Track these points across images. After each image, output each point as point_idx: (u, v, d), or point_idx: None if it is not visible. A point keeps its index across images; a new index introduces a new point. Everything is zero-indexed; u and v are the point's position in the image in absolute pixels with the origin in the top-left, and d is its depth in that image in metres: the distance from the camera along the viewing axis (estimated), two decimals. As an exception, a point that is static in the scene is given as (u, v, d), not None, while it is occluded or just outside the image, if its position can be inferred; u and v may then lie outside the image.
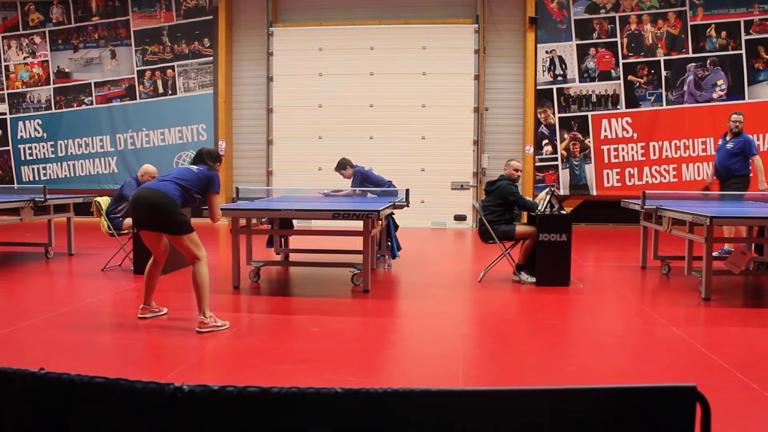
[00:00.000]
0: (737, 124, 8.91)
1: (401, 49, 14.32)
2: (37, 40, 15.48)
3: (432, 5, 14.42)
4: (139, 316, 5.73)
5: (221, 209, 6.14)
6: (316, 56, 14.57)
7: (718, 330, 5.61)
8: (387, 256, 8.54)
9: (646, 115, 13.80)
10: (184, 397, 1.58)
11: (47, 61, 15.48)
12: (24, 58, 15.59)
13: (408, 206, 8.60)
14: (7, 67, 15.66)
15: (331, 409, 1.54)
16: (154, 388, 1.61)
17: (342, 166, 9.03)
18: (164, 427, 1.60)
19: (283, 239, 8.74)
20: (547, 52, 14.02)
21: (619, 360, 4.78)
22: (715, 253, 8.49)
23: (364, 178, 9.00)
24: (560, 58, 14.00)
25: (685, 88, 13.68)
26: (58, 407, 1.70)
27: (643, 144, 13.80)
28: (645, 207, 7.96)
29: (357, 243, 7.33)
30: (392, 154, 14.11)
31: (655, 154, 13.77)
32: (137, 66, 15.14)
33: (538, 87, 14.05)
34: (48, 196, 8.64)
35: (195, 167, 5.57)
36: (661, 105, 13.76)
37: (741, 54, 13.46)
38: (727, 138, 9.00)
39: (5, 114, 15.70)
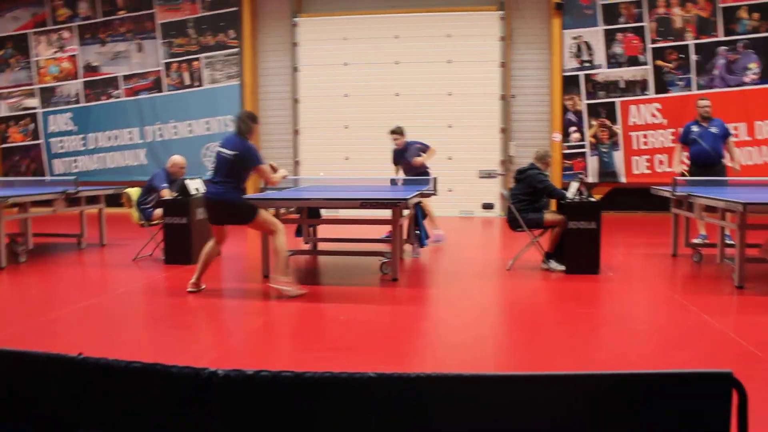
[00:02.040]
0: (707, 109, 8.88)
1: (426, 37, 14.25)
2: (66, 35, 15.66)
3: (457, -8, 14.34)
4: (189, 290, 6.25)
5: (252, 199, 6.25)
6: (341, 46, 14.56)
7: (751, 318, 5.53)
8: (415, 245, 8.54)
9: (676, 101, 13.59)
10: (219, 382, 1.60)
11: (76, 55, 15.66)
12: (53, 53, 15.78)
13: (436, 195, 8.60)
14: (37, 63, 15.87)
15: (364, 393, 1.55)
16: (190, 372, 1.64)
17: (400, 131, 9.60)
18: (200, 411, 1.62)
19: (311, 228, 8.78)
20: (573, 38, 13.86)
21: (650, 347, 4.74)
22: (696, 240, 8.40)
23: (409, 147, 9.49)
24: (587, 43, 13.83)
25: (716, 72, 13.45)
26: (96, 391, 1.73)
27: (673, 130, 13.59)
28: (676, 194, 7.86)
29: (385, 231, 7.34)
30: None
31: (675, 143, 13.56)
32: (164, 58, 15.26)
33: (565, 73, 13.90)
34: (79, 188, 8.76)
35: (230, 152, 5.93)
36: (691, 90, 13.54)
37: (774, 36, 13.19)
38: (703, 124, 8.86)
39: (36, 108, 15.92)
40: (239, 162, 5.92)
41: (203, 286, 6.35)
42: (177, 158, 8.53)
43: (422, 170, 9.37)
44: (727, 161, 8.85)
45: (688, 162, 9.16)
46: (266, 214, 6.19)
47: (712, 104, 9.03)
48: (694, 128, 8.89)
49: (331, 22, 14.61)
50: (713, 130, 8.79)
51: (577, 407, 1.62)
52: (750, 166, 9.31)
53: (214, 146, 14.63)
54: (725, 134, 8.89)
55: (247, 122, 6.03)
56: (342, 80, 14.56)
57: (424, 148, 9.50)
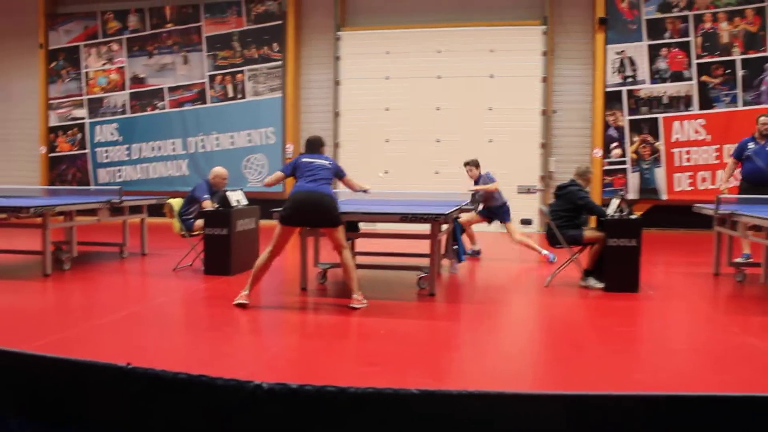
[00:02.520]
0: (766, 126, 8.66)
1: (468, 51, 14.28)
2: (115, 47, 16.04)
3: (499, 7, 14.33)
4: (238, 302, 6.14)
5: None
6: (383, 59, 14.66)
7: (797, 340, 5.41)
8: (453, 260, 8.53)
9: (721, 117, 13.38)
10: (263, 395, 1.63)
11: (124, 67, 16.02)
12: (102, 65, 16.17)
13: (475, 210, 8.58)
14: (87, 74, 16.27)
15: (407, 409, 1.57)
16: (235, 385, 1.67)
17: (475, 164, 9.70)
18: (244, 424, 1.65)
19: (349, 242, 8.81)
20: (617, 53, 13.76)
21: (692, 368, 4.67)
22: (740, 259, 8.21)
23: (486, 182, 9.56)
24: (630, 59, 13.71)
25: (763, 88, 13.21)
26: (143, 401, 1.78)
27: (717, 146, 13.39)
28: (719, 212, 7.73)
29: (423, 246, 7.35)
30: (459, 157, 14.01)
31: (729, 157, 13.33)
32: (208, 71, 15.52)
33: (608, 89, 13.79)
34: (123, 198, 8.94)
35: (327, 162, 6.38)
36: (737, 106, 13.33)
37: (823, 53, 12.92)
38: (760, 141, 8.67)
39: (84, 118, 16.31)
40: (335, 168, 6.44)
41: (248, 302, 6.20)
42: (219, 170, 8.65)
43: (499, 203, 9.56)
44: None
45: (738, 178, 9.01)
46: (343, 229, 6.41)
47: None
48: (751, 145, 8.74)
49: (373, 36, 14.72)
50: None
51: (615, 428, 1.62)
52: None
53: (255, 158, 14.83)
54: None
55: (324, 150, 6.65)
56: (383, 94, 14.64)
57: (487, 181, 9.56)
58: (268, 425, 1.64)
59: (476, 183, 9.58)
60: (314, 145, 6.56)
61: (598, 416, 1.63)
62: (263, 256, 6.30)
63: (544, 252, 9.26)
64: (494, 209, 9.53)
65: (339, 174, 6.49)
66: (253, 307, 6.31)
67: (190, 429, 1.76)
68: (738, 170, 9.02)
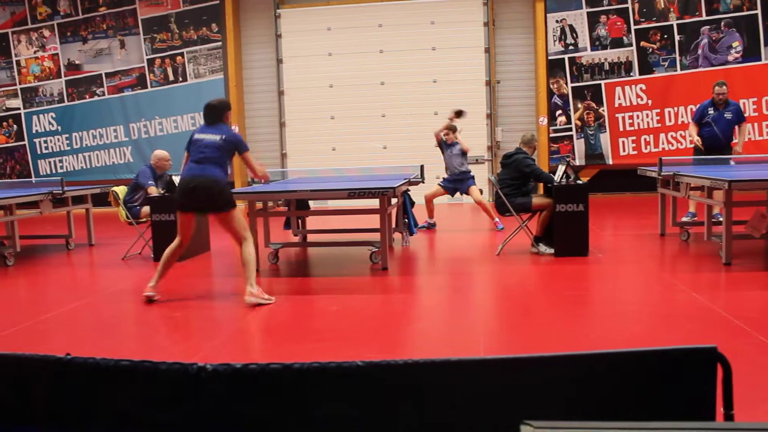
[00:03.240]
0: (722, 96, 8.90)
1: (410, 25, 14.23)
2: (46, 33, 15.53)
3: (439, -21, 14.30)
4: (147, 294, 5.74)
5: (239, 192, 6.20)
6: (324, 36, 14.51)
7: (739, 294, 5.58)
8: (404, 233, 8.55)
9: (661, 81, 13.64)
10: (208, 376, 1.60)
11: (57, 54, 15.54)
12: (34, 52, 15.65)
13: (423, 182, 8.61)
14: (18, 62, 15.73)
15: (352, 382, 1.56)
16: (179, 368, 1.64)
17: (454, 129, 9.78)
18: (190, 406, 1.62)
19: (300, 220, 8.77)
20: (557, 21, 13.87)
21: (641, 327, 4.77)
22: (685, 218, 8.48)
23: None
24: (571, 26, 13.84)
25: (700, 51, 13.49)
26: (85, 391, 1.73)
27: (658, 110, 13.66)
28: (662, 174, 7.90)
29: (374, 221, 7.34)
30: (405, 130, 14.09)
31: (670, 121, 13.63)
32: (147, 54, 15.16)
33: (550, 57, 13.91)
34: (66, 188, 8.71)
35: (219, 137, 5.67)
36: (676, 70, 13.59)
37: (756, 14, 13.23)
38: (719, 108, 8.92)
39: (19, 109, 15.80)
40: (230, 144, 5.69)
41: (158, 297, 5.79)
42: (160, 152, 8.50)
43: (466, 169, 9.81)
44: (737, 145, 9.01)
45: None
46: (242, 216, 5.80)
47: (727, 90, 9.01)
48: (710, 110, 8.95)
49: (313, 13, 14.55)
50: (727, 115, 8.89)
51: (566, 387, 1.64)
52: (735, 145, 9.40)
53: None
54: (739, 120, 9.01)
55: (224, 118, 5.86)
56: (327, 71, 14.52)
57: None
58: (215, 406, 1.61)
59: (449, 146, 9.77)
60: (212, 114, 5.83)
61: (546, 376, 1.64)
62: (172, 245, 5.83)
63: (496, 219, 9.39)
64: (460, 177, 9.61)
65: (238, 149, 5.73)
66: (206, 291, 6.23)
67: (137, 416, 1.72)
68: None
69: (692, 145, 9.31)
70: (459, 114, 9.80)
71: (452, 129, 9.73)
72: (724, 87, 8.91)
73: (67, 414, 1.75)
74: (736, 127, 9.03)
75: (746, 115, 12.60)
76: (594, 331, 4.68)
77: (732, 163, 8.75)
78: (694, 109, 13.03)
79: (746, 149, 9.23)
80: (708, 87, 12.88)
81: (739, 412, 1.62)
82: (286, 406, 1.58)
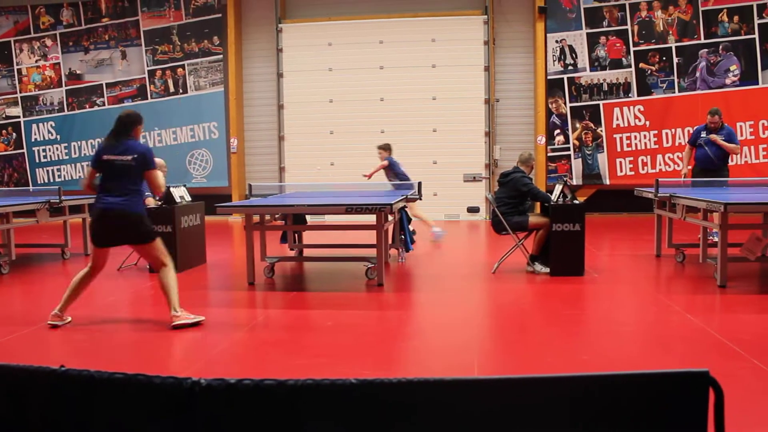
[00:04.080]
0: (712, 125, 9.07)
1: (410, 42, 14.31)
2: (49, 42, 15.59)
3: (440, -3, 14.41)
4: (50, 323, 5.39)
5: (236, 206, 6.18)
6: (325, 51, 14.59)
7: (734, 317, 5.59)
8: (401, 249, 8.56)
9: (659, 103, 13.72)
10: (201, 391, 1.61)
11: (59, 63, 15.59)
12: (36, 61, 15.70)
13: (420, 199, 8.63)
14: (19, 71, 15.78)
15: (346, 399, 1.56)
16: (172, 382, 1.64)
17: (386, 147, 10.08)
18: (183, 421, 1.63)
19: (296, 235, 8.77)
20: (557, 41, 13.96)
21: (635, 348, 4.77)
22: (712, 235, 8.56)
23: (393, 166, 10.04)
24: (570, 47, 13.93)
25: (698, 74, 13.59)
26: (79, 403, 1.73)
27: (656, 132, 13.73)
28: (658, 195, 7.93)
29: (370, 237, 7.35)
30: (404, 147, 14.08)
31: (668, 142, 13.70)
32: (148, 66, 15.22)
33: (549, 77, 14.00)
34: (63, 198, 8.71)
35: (130, 157, 5.24)
36: (674, 92, 13.67)
37: (754, 39, 13.34)
38: (711, 132, 9.07)
39: (19, 117, 15.83)
40: (140, 164, 5.26)
41: (68, 319, 5.50)
42: (157, 161, 8.50)
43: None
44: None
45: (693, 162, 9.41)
46: (160, 243, 5.47)
47: (720, 117, 9.15)
48: (703, 134, 9.12)
49: (315, 28, 14.63)
50: (721, 139, 9.00)
51: (558, 408, 1.64)
52: (732, 167, 9.47)
53: (199, 153, 14.65)
54: (730, 142, 9.10)
55: (132, 132, 5.40)
56: (327, 86, 14.58)
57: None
58: (208, 421, 1.62)
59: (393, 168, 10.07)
60: (122, 129, 5.35)
61: (540, 398, 1.65)
62: (81, 273, 5.50)
63: (435, 229, 10.12)
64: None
65: (146, 166, 5.30)
66: (201, 304, 6.22)
67: (131, 429, 1.72)
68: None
69: (689, 167, 9.42)
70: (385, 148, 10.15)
71: (384, 148, 10.07)
72: (716, 117, 9.10)
73: (61, 426, 1.75)
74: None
75: (742, 138, 12.73)
76: (588, 351, 4.67)
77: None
78: (691, 131, 13.16)
79: (743, 173, 9.34)
80: (706, 109, 12.95)
81: (730, 437, 1.63)
82: (280, 422, 1.59)
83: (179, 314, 5.36)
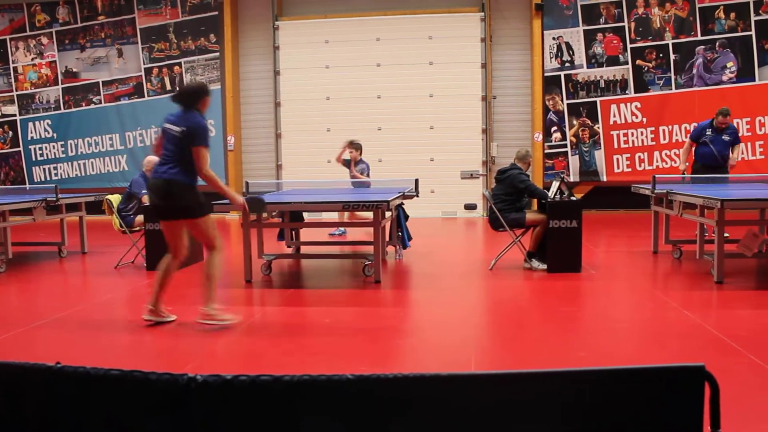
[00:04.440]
0: (723, 125, 9.05)
1: (407, 39, 14.29)
2: (45, 40, 15.55)
3: (437, -6, 14.40)
4: (145, 317, 5.32)
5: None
6: (322, 49, 14.56)
7: (730, 313, 5.60)
8: (398, 246, 8.56)
9: (656, 100, 13.72)
10: (197, 387, 1.60)
11: (55, 61, 15.55)
12: (32, 59, 15.66)
13: (417, 196, 8.62)
14: (15, 69, 15.74)
15: (343, 395, 1.56)
16: (168, 379, 1.64)
17: (358, 147, 10.28)
18: (179, 417, 1.62)
19: (293, 232, 8.77)
20: (554, 38, 13.95)
21: (632, 344, 4.78)
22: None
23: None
24: (567, 44, 13.93)
25: (694, 71, 13.59)
26: (75, 400, 1.73)
27: (653, 128, 13.74)
28: (655, 191, 7.94)
29: (368, 234, 7.35)
30: (401, 144, 14.12)
31: (665, 139, 13.71)
32: (144, 64, 15.19)
33: (546, 74, 13.99)
34: (60, 196, 8.69)
35: (179, 129, 5.08)
36: (671, 89, 13.68)
37: (750, 35, 13.35)
38: (718, 130, 9.09)
39: (15, 115, 15.79)
40: (188, 137, 5.06)
41: (171, 318, 5.38)
42: (153, 158, 8.48)
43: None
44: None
45: (692, 158, 9.40)
46: (211, 221, 5.25)
47: (728, 117, 9.14)
48: (709, 131, 9.10)
49: (312, 26, 14.61)
50: (725, 137, 9.09)
51: (555, 403, 1.64)
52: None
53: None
54: (735, 141, 9.15)
55: (198, 104, 5.22)
56: (323, 83, 14.56)
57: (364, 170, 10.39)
58: (205, 417, 1.62)
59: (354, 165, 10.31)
60: (184, 99, 5.21)
61: (536, 393, 1.65)
62: (164, 259, 5.38)
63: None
64: None
65: (192, 141, 5.05)
66: (197, 301, 6.21)
67: (127, 426, 1.72)
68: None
69: (687, 164, 9.42)
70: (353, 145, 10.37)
71: (356, 147, 10.26)
72: (728, 118, 9.07)
73: (57, 423, 1.75)
74: (731, 147, 9.13)
75: (740, 134, 12.72)
76: (585, 347, 4.68)
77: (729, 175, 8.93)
78: (688, 128, 13.16)
79: (740, 169, 9.35)
80: (702, 106, 13.05)
81: (726, 432, 1.63)
82: (276, 418, 1.59)
83: (213, 313, 5.18)
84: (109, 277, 7.68)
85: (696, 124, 10.03)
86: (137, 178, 8.36)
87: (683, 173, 9.34)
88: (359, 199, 6.73)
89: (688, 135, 9.91)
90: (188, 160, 5.06)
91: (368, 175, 10.22)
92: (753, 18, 13.30)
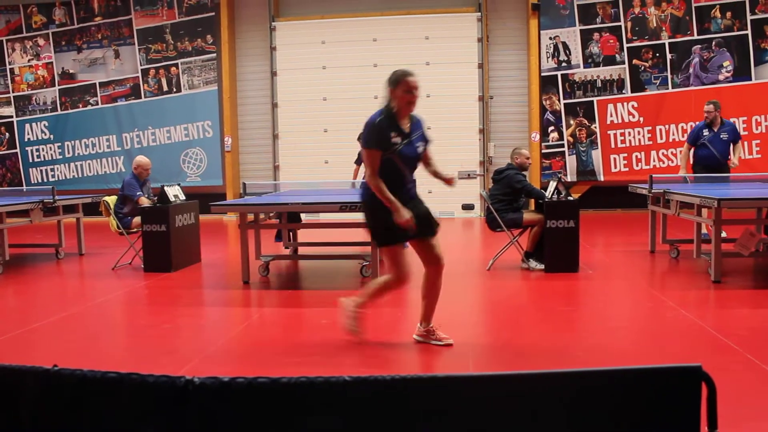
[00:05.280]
0: (708, 115, 8.89)
1: (404, 39, 14.29)
2: (41, 42, 15.53)
3: (434, -5, 14.40)
4: (415, 336, 4.89)
5: (230, 204, 6.15)
6: (319, 49, 14.56)
7: (728, 312, 5.60)
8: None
9: (652, 99, 13.74)
10: (195, 390, 1.60)
11: (52, 62, 15.54)
12: (28, 61, 15.64)
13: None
14: (12, 70, 15.72)
15: (340, 397, 1.56)
16: (166, 381, 1.64)
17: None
18: (176, 419, 1.62)
19: (291, 233, 8.77)
20: (550, 38, 13.97)
21: (629, 343, 4.78)
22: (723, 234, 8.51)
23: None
24: (564, 44, 13.94)
25: (691, 70, 13.61)
26: (72, 402, 1.73)
27: (650, 128, 13.75)
28: (652, 191, 7.94)
29: (365, 234, 7.34)
30: (398, 145, 14.09)
31: (662, 138, 13.72)
32: (141, 65, 15.18)
33: (543, 74, 14.00)
34: (57, 197, 8.68)
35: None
36: (667, 88, 13.70)
37: (747, 34, 13.37)
38: (714, 129, 8.92)
39: (12, 117, 15.77)
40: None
41: (447, 340, 4.72)
42: (141, 159, 8.50)
43: None
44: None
45: (691, 162, 9.29)
46: (395, 254, 4.68)
47: (719, 107, 8.99)
48: (705, 132, 8.94)
49: (308, 26, 14.61)
50: (723, 135, 8.88)
51: (552, 403, 1.64)
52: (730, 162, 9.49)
53: (193, 152, 14.61)
54: (735, 139, 8.98)
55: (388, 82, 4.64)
56: (320, 84, 14.56)
57: None
58: (202, 420, 1.61)
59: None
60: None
61: (534, 393, 1.65)
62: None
63: None
64: None
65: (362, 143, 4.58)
66: (195, 303, 6.21)
67: (124, 428, 1.72)
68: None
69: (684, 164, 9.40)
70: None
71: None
72: (710, 106, 8.91)
73: (54, 425, 1.75)
74: (731, 145, 9.01)
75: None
76: (582, 347, 4.68)
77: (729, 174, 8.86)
78: (685, 128, 13.18)
79: (736, 168, 9.28)
80: (699, 105, 12.97)
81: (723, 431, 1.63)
82: (274, 420, 1.59)
83: (351, 307, 4.67)
84: (107, 278, 7.67)
85: (693, 124, 9.99)
86: (128, 180, 8.33)
87: (684, 179, 9.14)
88: (357, 200, 6.71)
89: (686, 135, 9.85)
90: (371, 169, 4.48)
91: None
92: (749, 17, 13.32)
